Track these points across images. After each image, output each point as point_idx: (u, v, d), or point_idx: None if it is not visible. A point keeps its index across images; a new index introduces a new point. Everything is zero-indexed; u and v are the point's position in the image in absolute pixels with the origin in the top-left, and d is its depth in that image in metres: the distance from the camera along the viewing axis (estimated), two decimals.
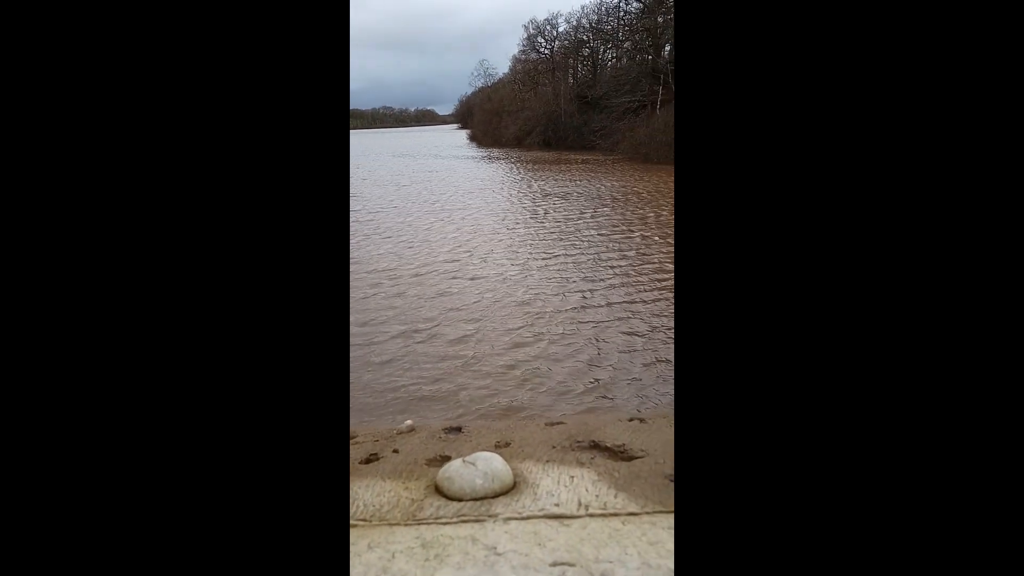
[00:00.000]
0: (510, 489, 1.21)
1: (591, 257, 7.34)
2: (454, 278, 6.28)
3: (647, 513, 0.93)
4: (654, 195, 13.26)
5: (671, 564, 0.78)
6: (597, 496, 1.00)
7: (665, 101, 24.88)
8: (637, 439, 1.35)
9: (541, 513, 0.94)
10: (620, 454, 1.30)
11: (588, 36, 31.84)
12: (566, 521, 0.94)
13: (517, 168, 20.65)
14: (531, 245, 8.11)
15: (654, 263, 6.95)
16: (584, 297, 5.72)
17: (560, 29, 34.46)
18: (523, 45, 38.42)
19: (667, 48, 27.36)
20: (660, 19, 27.37)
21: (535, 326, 4.83)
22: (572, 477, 1.11)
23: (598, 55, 32.12)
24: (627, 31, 30.33)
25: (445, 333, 4.70)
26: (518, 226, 9.54)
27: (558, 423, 1.74)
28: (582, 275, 6.54)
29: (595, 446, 1.38)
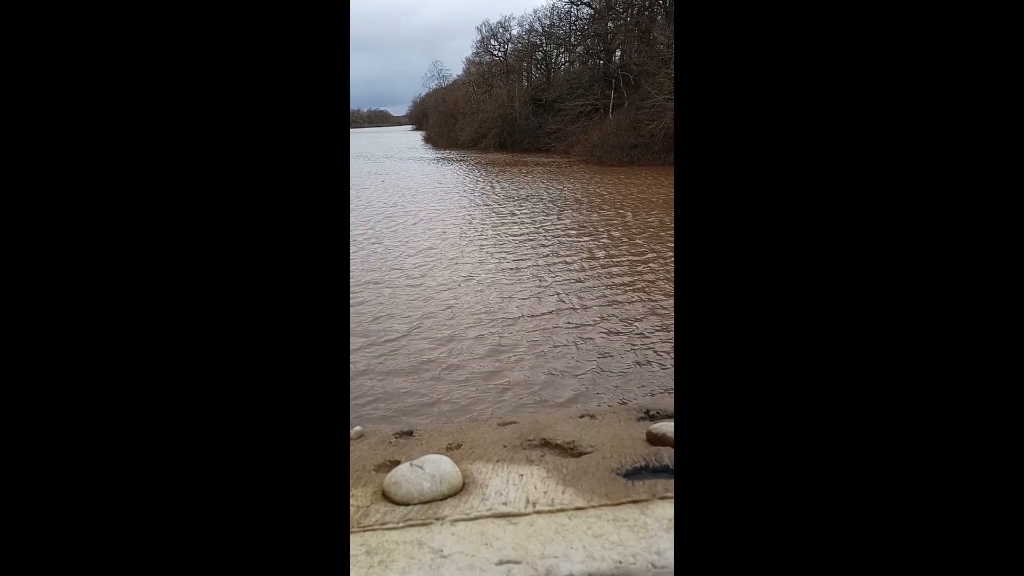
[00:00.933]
0: (459, 491, 1.20)
1: (561, 260, 7.38)
2: (419, 286, 6.17)
3: (593, 507, 0.93)
4: (615, 196, 13.53)
5: (615, 555, 0.78)
6: (545, 493, 1.00)
7: (617, 105, 25.48)
8: (586, 435, 1.37)
9: (489, 513, 0.93)
10: (569, 450, 1.31)
11: (541, 40, 32.21)
12: (513, 519, 0.93)
13: (477, 171, 20.58)
14: (500, 249, 8.07)
15: (623, 265, 7.07)
16: (561, 300, 5.71)
17: (513, 32, 34.71)
18: (476, 47, 38.36)
19: (618, 53, 28.04)
20: (610, 24, 28.03)
21: (506, 334, 4.79)
22: (521, 475, 1.11)
23: (551, 59, 32.54)
24: (579, 36, 30.90)
25: (414, 343, 4.59)
26: (486, 227, 9.48)
27: (511, 423, 1.74)
28: (554, 278, 6.57)
29: (545, 443, 1.38)
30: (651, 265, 7.12)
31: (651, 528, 0.82)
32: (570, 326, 4.98)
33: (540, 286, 6.24)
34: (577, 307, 5.52)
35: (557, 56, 32.65)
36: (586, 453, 1.26)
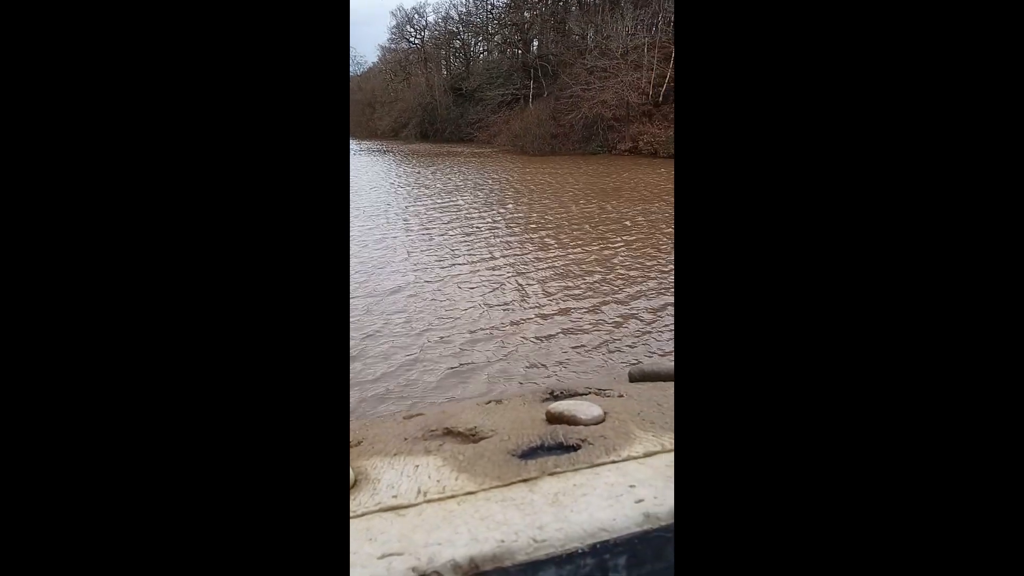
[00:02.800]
0: (351, 488, 1.15)
1: (517, 255, 7.34)
2: (370, 295, 5.88)
3: (483, 490, 0.92)
4: (551, 185, 13.75)
5: (498, 535, 0.77)
6: (438, 481, 0.98)
7: (536, 95, 25.79)
8: (489, 420, 1.37)
9: (377, 507, 0.89)
10: (470, 437, 1.31)
11: (458, 28, 31.79)
12: (401, 511, 0.90)
13: (408, 162, 20.04)
14: (450, 247, 7.89)
15: (573, 257, 7.16)
16: (522, 297, 5.66)
17: (429, 19, 33.94)
18: (392, 34, 37.15)
19: (535, 44, 28.32)
20: (527, 15, 28.20)
21: (473, 335, 4.67)
22: (416, 466, 1.08)
23: (470, 48, 32.23)
24: (496, 25, 30.82)
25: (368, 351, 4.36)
26: (432, 226, 9.25)
27: (417, 415, 1.71)
28: (515, 271, 6.53)
29: (448, 432, 1.37)
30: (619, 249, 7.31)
31: (536, 504, 0.83)
32: (538, 322, 4.99)
33: (498, 285, 6.20)
34: (539, 305, 5.55)
35: (475, 45, 32.41)
36: (485, 438, 1.25)
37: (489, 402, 1.76)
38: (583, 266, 6.72)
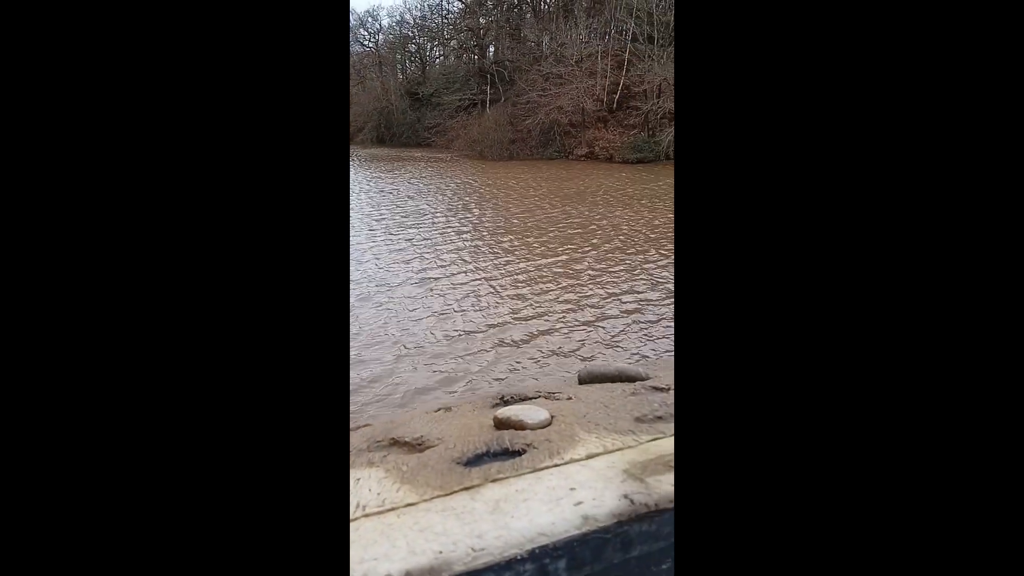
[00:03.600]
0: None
1: (487, 261, 7.22)
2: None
3: (424, 501, 0.90)
4: (516, 190, 13.75)
5: (436, 546, 0.75)
6: (378, 494, 0.95)
7: (493, 100, 25.89)
8: (437, 428, 1.35)
9: None
10: (416, 446, 1.28)
11: (413, 32, 31.55)
12: None
13: (367, 167, 19.57)
14: (418, 253, 7.69)
15: (542, 262, 7.13)
16: (491, 303, 5.55)
17: (383, 23, 33.54)
18: None
19: (491, 49, 28.46)
20: (482, 20, 28.31)
21: (447, 344, 4.55)
22: (357, 480, 1.05)
23: (425, 52, 32.05)
24: (452, 30, 30.78)
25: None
26: (397, 232, 8.99)
27: (364, 426, 1.66)
28: (485, 277, 6.43)
29: (394, 442, 1.33)
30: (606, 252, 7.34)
31: (477, 512, 0.81)
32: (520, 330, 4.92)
33: (473, 294, 6.11)
34: (518, 314, 5.49)
35: (431, 49, 32.25)
36: (431, 447, 1.23)
37: (439, 410, 1.73)
38: (552, 271, 6.76)
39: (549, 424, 1.22)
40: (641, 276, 6.55)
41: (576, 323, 5.08)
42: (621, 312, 5.41)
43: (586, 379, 1.66)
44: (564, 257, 7.38)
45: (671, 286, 6.10)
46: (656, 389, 1.46)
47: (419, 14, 31.71)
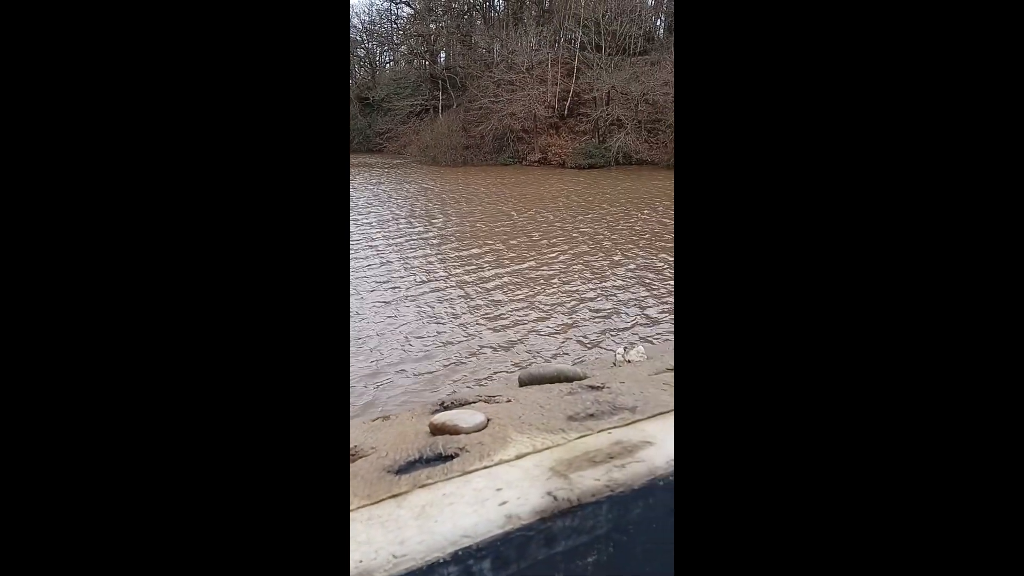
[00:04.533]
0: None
1: (455, 269, 7.06)
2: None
3: (352, 510, 0.89)
4: (477, 196, 13.68)
5: (357, 556, 0.74)
6: None
7: (446, 106, 25.81)
8: (373, 437, 1.33)
9: None
10: (350, 456, 1.26)
11: (362, 37, 31.04)
12: None
13: None
14: (384, 260, 7.52)
15: (512, 268, 7.07)
16: (458, 311, 5.44)
17: None
18: None
19: (442, 55, 28.39)
20: (432, 26, 28.21)
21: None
22: None
23: (375, 57, 31.60)
24: (401, 35, 30.53)
25: None
26: (360, 240, 8.72)
27: None
28: (455, 284, 6.28)
29: None
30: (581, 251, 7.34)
31: (402, 519, 0.81)
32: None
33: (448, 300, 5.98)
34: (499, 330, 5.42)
35: (381, 54, 31.84)
36: (364, 456, 1.21)
37: (376, 419, 1.71)
38: (524, 276, 6.78)
39: (485, 427, 1.23)
40: (612, 279, 6.68)
41: (549, 329, 5.12)
42: (594, 315, 5.49)
43: (526, 381, 1.68)
44: (532, 263, 7.43)
45: (641, 289, 6.25)
46: (592, 388, 1.50)
47: (367, 19, 31.28)
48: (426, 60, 28.38)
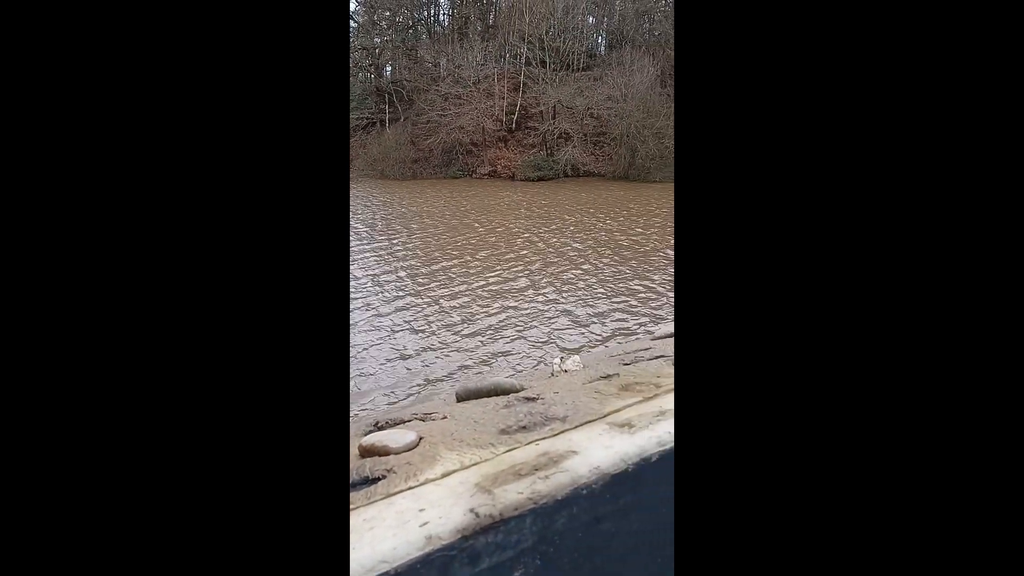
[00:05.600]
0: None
1: (421, 287, 6.91)
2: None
3: None
4: (429, 210, 13.52)
5: None
6: None
7: (393, 119, 25.58)
8: None
9: None
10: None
11: None
12: None
13: None
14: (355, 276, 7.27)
15: (476, 284, 6.97)
16: (417, 329, 5.30)
17: None
18: None
19: (388, 69, 28.19)
20: (377, 40, 28.00)
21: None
22: None
23: None
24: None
25: None
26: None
27: None
28: (423, 300, 6.10)
29: None
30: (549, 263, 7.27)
31: None
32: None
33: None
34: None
35: None
36: None
37: None
38: (493, 290, 6.72)
39: (415, 446, 1.20)
40: (581, 290, 6.74)
41: (525, 340, 5.10)
42: (572, 325, 5.51)
43: (463, 396, 1.66)
44: (501, 276, 7.40)
45: (611, 300, 6.34)
46: (527, 399, 1.50)
47: None
48: (371, 73, 28.09)
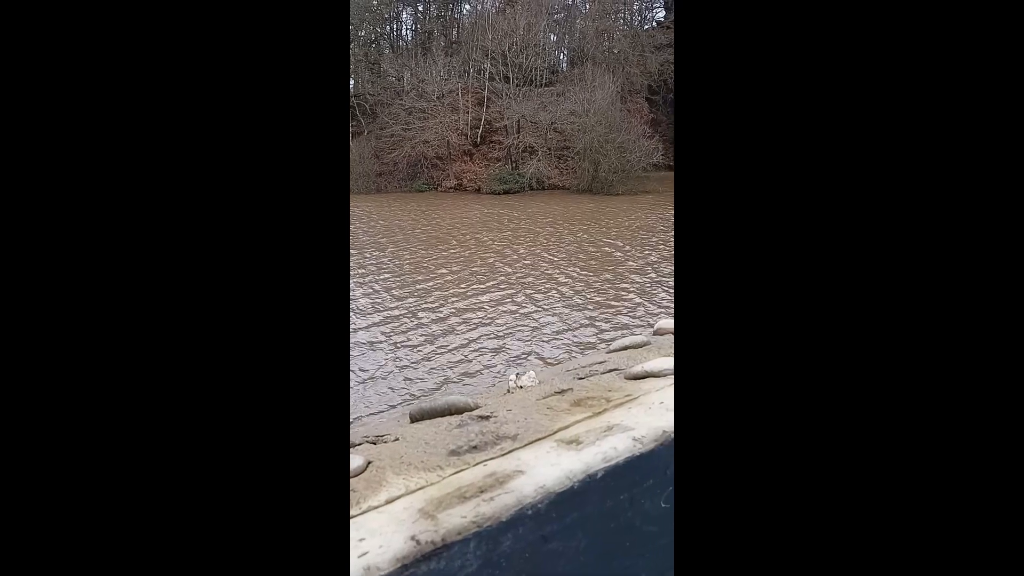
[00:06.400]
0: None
1: (396, 306, 6.71)
2: None
3: None
4: (400, 226, 13.36)
5: None
6: None
7: (356, 133, 25.32)
8: None
9: None
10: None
11: None
12: None
13: None
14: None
15: (451, 308, 6.84)
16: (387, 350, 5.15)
17: None
18: None
19: (351, 82, 27.97)
20: None
21: None
22: None
23: None
24: None
25: None
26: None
27: None
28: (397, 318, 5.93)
29: None
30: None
31: None
32: None
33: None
34: None
35: None
36: None
37: None
38: (476, 310, 6.65)
39: (363, 471, 1.17)
40: (559, 308, 6.74)
41: (505, 353, 5.05)
42: (551, 335, 5.49)
43: (417, 416, 1.63)
44: (477, 296, 7.34)
45: (589, 312, 6.37)
46: (481, 418, 1.49)
47: None
48: None
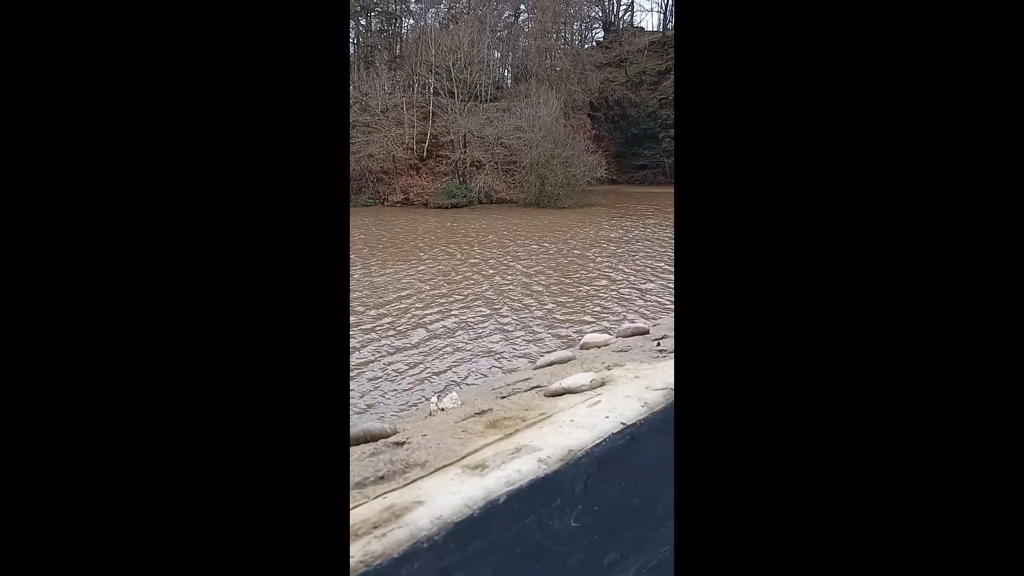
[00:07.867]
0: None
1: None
2: None
3: None
4: (354, 239, 12.91)
5: None
6: None
7: None
8: None
9: None
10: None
11: None
12: None
13: None
14: None
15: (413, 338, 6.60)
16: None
17: None
18: None
19: None
20: None
21: None
22: None
23: None
24: None
25: None
26: None
27: None
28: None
29: None
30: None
31: None
32: None
33: None
34: None
35: None
36: None
37: None
38: (437, 330, 6.46)
39: None
40: (532, 324, 6.66)
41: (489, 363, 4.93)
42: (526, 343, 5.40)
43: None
44: (443, 318, 7.16)
45: (564, 328, 6.34)
46: (396, 444, 1.44)
47: None
48: None
